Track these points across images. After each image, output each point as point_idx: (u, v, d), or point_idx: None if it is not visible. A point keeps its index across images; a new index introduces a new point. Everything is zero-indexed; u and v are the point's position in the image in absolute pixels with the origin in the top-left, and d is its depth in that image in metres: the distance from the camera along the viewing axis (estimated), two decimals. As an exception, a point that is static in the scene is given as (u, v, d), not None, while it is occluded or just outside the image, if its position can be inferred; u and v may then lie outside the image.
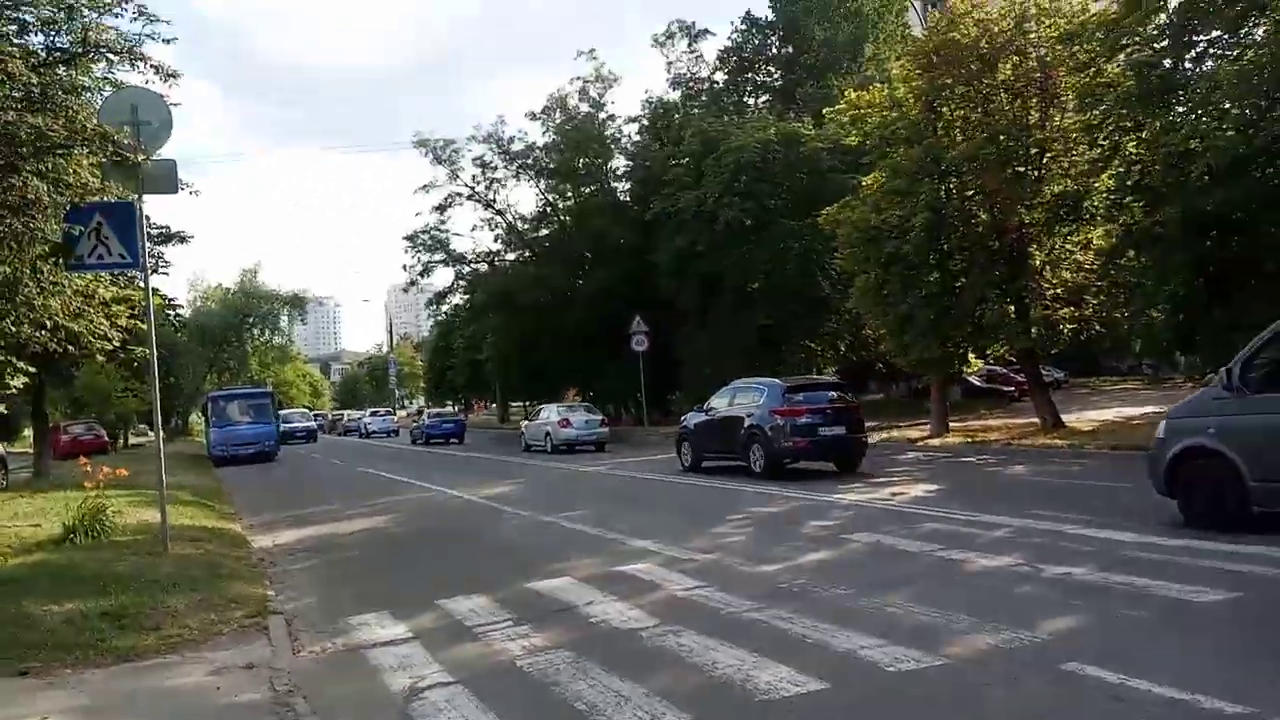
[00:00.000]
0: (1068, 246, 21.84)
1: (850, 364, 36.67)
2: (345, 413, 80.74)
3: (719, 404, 18.60)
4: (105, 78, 11.02)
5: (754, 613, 6.84)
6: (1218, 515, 8.73)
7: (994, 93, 21.21)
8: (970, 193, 21.98)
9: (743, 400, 17.82)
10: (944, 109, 22.09)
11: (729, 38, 44.43)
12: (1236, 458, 8.44)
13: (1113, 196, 19.31)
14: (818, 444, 16.44)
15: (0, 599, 7.69)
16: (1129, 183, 18.44)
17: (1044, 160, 21.09)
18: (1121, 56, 18.20)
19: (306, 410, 65.50)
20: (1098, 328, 22.28)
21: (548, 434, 29.19)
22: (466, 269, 47.65)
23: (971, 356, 25.96)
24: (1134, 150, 18.44)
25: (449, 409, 56.84)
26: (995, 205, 21.06)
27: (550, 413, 30.38)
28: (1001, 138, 20.74)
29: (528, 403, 44.28)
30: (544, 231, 46.62)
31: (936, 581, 7.52)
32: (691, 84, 44.75)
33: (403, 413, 65.89)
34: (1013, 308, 21.80)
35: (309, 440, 48.12)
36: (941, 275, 22.24)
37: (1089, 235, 21.42)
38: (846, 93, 25.31)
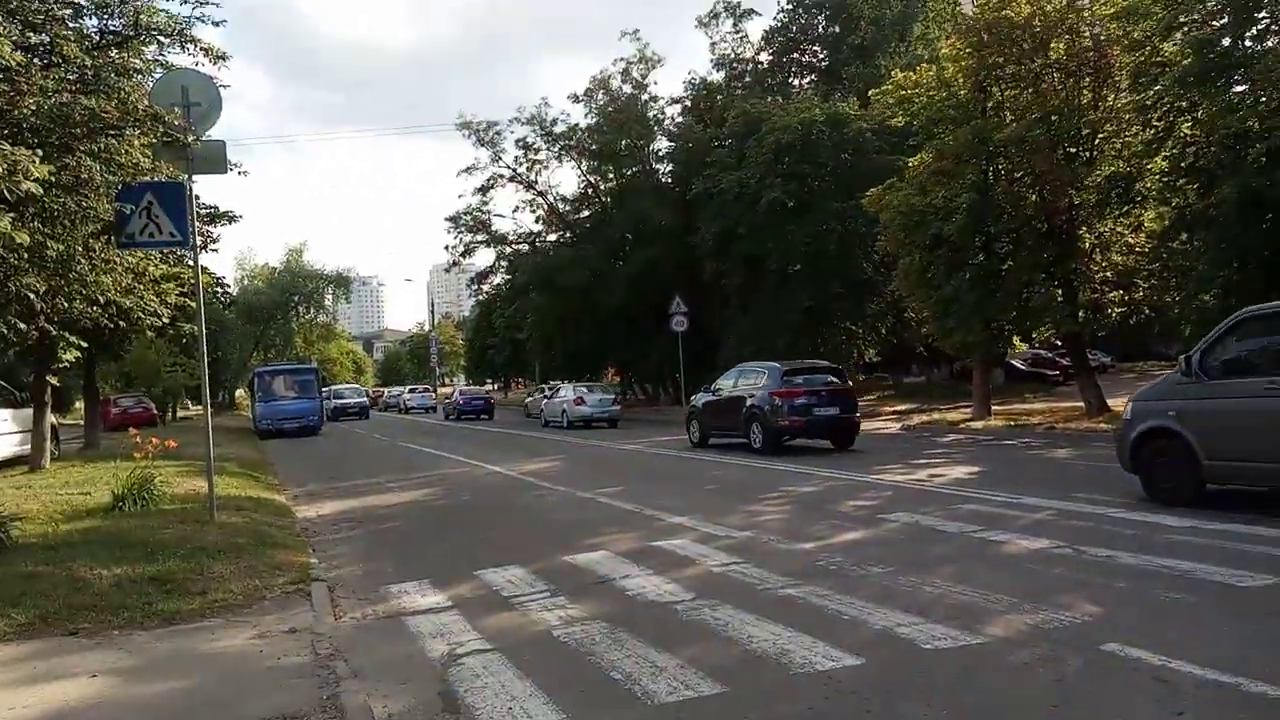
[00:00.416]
0: (1118, 229, 21.42)
1: (892, 346, 36.40)
2: (385, 389, 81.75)
3: (725, 385, 19.94)
4: (156, 60, 11.21)
5: (790, 589, 6.84)
6: (1176, 492, 9.43)
7: (1046, 72, 20.82)
8: (1019, 174, 21.65)
9: (746, 382, 19.14)
10: (994, 89, 21.73)
11: (775, 17, 44.10)
12: (1193, 439, 9.17)
13: (1166, 178, 18.90)
14: (813, 423, 17.75)
15: (52, 563, 7.90)
16: (1183, 164, 18.06)
17: (1096, 141, 20.70)
18: (1179, 34, 17.74)
19: (359, 387, 65.01)
20: (1147, 312, 21.86)
21: (564, 411, 31.14)
22: (508, 249, 47.97)
23: (1016, 340, 25.62)
24: (1189, 131, 18.02)
25: (479, 388, 57.44)
26: (1044, 187, 20.71)
27: (567, 391, 32.50)
28: (1053, 118, 20.38)
29: (546, 383, 44.56)
30: (585, 212, 46.73)
31: (975, 562, 7.46)
32: (735, 65, 44.45)
33: (444, 390, 66.24)
34: (1060, 291, 21.46)
35: (361, 416, 47.45)
36: (987, 258, 21.97)
37: (1140, 217, 20.98)
38: (894, 73, 24.98)
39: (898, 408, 28.55)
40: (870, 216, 24.99)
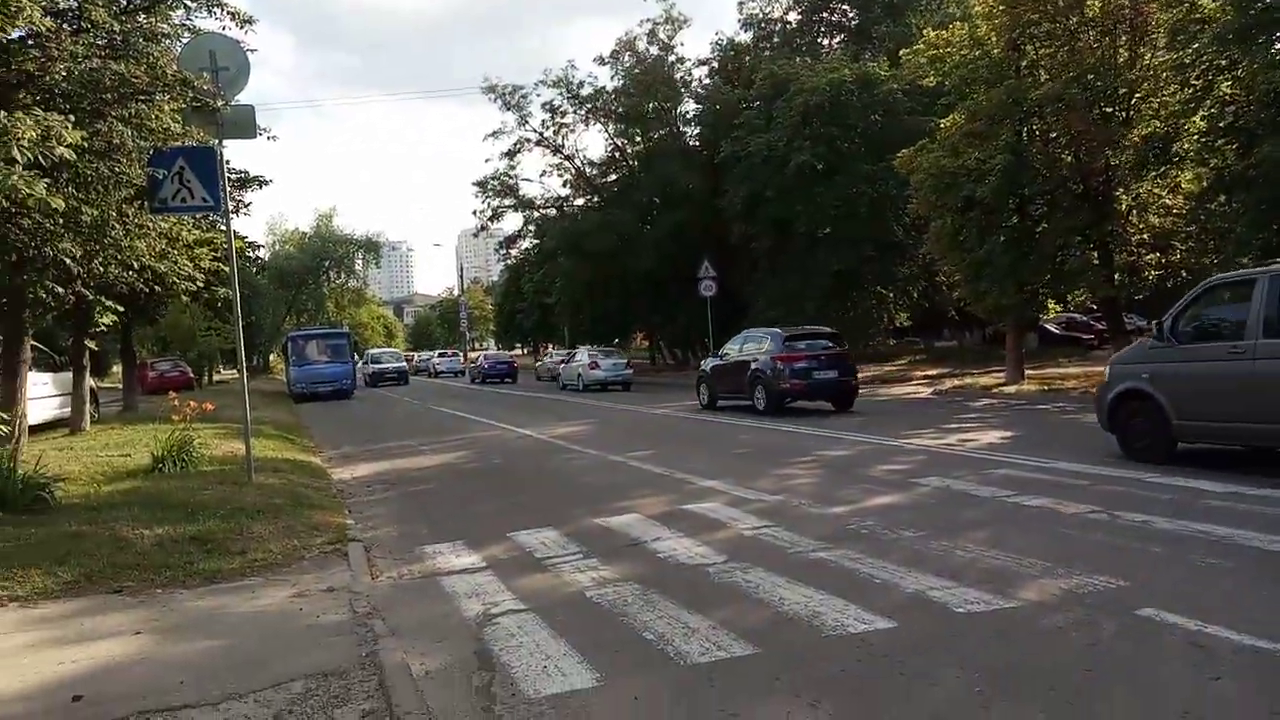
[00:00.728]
0: (1155, 190, 20.99)
1: (923, 310, 36.10)
2: (416, 354, 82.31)
3: (731, 350, 20.94)
4: (183, 24, 11.21)
5: (821, 552, 6.84)
6: (1150, 450, 10.00)
7: (1081, 30, 20.32)
8: (1054, 135, 21.21)
9: (750, 347, 20.07)
10: (1028, 47, 21.26)
11: (805, -25, 43.24)
12: (1164, 400, 9.73)
13: (1204, 138, 18.44)
14: (813, 385, 18.64)
15: (95, 523, 8.06)
16: (1222, 124, 17.64)
17: (1132, 101, 20.22)
18: (1220, -11, 17.24)
19: (397, 351, 63.57)
20: (1185, 275, 21.45)
21: (579, 375, 32.78)
22: (535, 214, 47.88)
23: (1050, 303, 25.29)
24: (1228, 90, 17.55)
25: (503, 353, 57.79)
26: (1080, 148, 20.29)
27: (582, 355, 34.36)
28: (1089, 77, 19.91)
29: (574, 347, 44.94)
30: (612, 176, 46.48)
31: (1008, 527, 7.42)
32: (764, 25, 43.72)
33: (474, 354, 66.52)
34: (1096, 254, 21.12)
35: (401, 382, 45.72)
36: (1021, 220, 21.64)
37: (1178, 179, 20.54)
38: (925, 31, 24.51)
39: (929, 372, 28.33)
40: (901, 179, 24.64)
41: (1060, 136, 21.02)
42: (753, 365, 19.40)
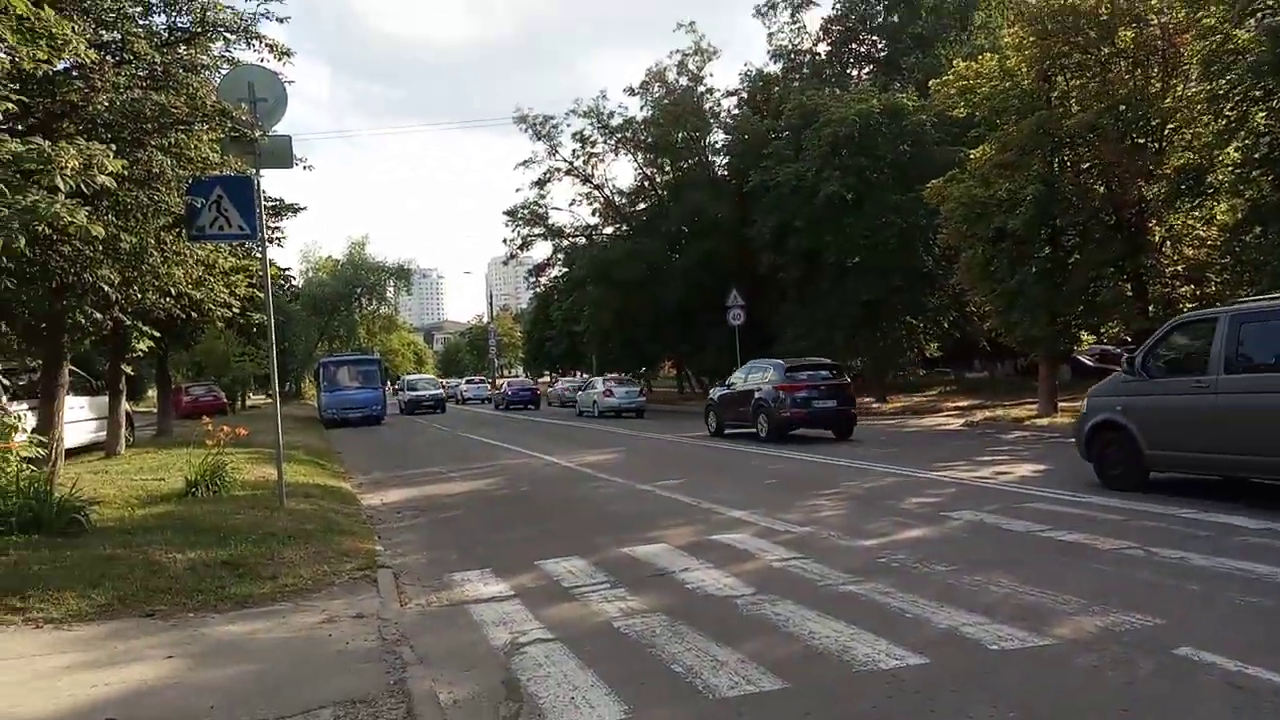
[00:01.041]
0: (1190, 222, 20.77)
1: (954, 341, 35.82)
2: (444, 381, 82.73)
3: (737, 379, 21.89)
4: (222, 56, 11.36)
5: (851, 586, 6.77)
6: (1123, 478, 10.55)
7: (1113, 61, 20.26)
8: (1086, 165, 21.13)
9: (755, 376, 21.04)
10: (1059, 78, 21.22)
11: (833, 7, 43.39)
12: (1136, 430, 10.34)
13: (1238, 170, 18.24)
14: (813, 414, 19.55)
15: (129, 546, 8.14)
16: (1256, 155, 17.43)
17: (1165, 131, 20.08)
18: (1252, 20, 17.12)
19: (432, 378, 61.53)
20: (1220, 307, 21.17)
21: (594, 401, 34.62)
22: (565, 242, 48.11)
23: (1084, 334, 25.02)
24: (1263, 121, 17.38)
25: (525, 380, 58.19)
26: (1113, 179, 20.18)
27: (598, 383, 36.47)
28: (1121, 108, 19.82)
29: (602, 375, 45.42)
30: (641, 205, 46.69)
31: (1042, 562, 7.31)
32: (793, 55, 43.97)
33: (502, 382, 66.75)
34: (1129, 285, 20.90)
35: (437, 410, 44.01)
36: (1053, 251, 21.48)
37: (1213, 210, 20.32)
38: (955, 62, 24.50)
39: (960, 403, 28.10)
40: (930, 209, 24.56)
41: (1093, 167, 20.91)
42: (756, 394, 20.27)
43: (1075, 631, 5.45)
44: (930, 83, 26.33)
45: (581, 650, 5.52)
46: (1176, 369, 10.09)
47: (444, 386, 59.15)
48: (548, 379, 73.99)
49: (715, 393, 23.13)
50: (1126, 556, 7.33)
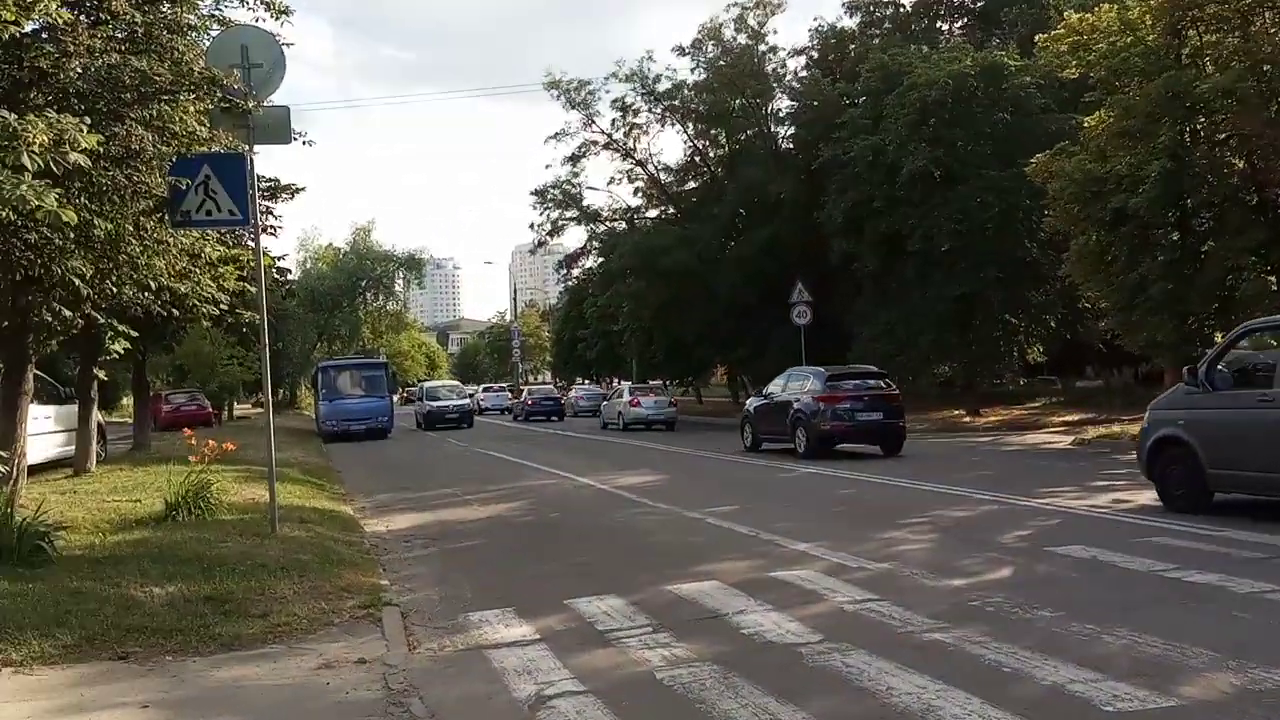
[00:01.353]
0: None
1: (1062, 344, 35.33)
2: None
3: (774, 389, 22.51)
4: (212, 14, 11.49)
5: (937, 633, 6.73)
6: (1187, 500, 10.92)
7: (1256, 12, 19.91)
8: (1222, 136, 20.86)
9: (794, 386, 21.60)
10: (1191, 33, 20.96)
11: (921, -52, 43.21)
12: (1198, 447, 10.60)
13: None
14: (856, 428, 20.16)
15: (100, 578, 8.28)
16: None
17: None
18: None
19: (457, 385, 59.59)
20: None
21: (620, 413, 35.76)
22: (601, 228, 48.36)
23: (1219, 337, 24.62)
24: None
25: (548, 388, 58.38)
26: (1254, 152, 19.89)
27: (624, 393, 37.66)
28: (1265, 68, 19.49)
29: (619, 380, 45.92)
30: (691, 184, 46.81)
31: (1167, 607, 7.21)
32: (872, 8, 43.71)
33: (525, 390, 67.09)
34: (1274, 278, 20.56)
35: (463, 424, 41.59)
36: (1182, 237, 21.25)
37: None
38: (1065, 14, 24.27)
39: (1068, 418, 27.77)
40: (1035, 187, 24.37)
41: (1230, 138, 20.72)
42: (794, 405, 20.84)
43: (1206, 690, 5.37)
44: (1036, 38, 26.11)
45: (617, 705, 5.53)
46: (1241, 380, 10.42)
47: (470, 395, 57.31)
48: (582, 384, 74.26)
49: (751, 403, 24.01)
50: (1269, 601, 7.20)
